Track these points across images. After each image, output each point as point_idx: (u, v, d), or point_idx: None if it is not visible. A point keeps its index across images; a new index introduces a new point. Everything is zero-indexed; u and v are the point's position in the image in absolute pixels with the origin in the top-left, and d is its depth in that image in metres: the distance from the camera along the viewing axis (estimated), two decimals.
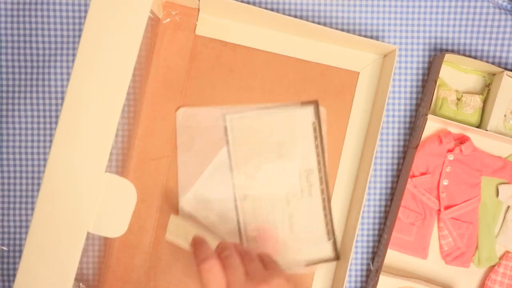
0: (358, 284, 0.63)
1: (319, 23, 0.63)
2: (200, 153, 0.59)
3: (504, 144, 0.62)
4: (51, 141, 0.62)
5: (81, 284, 0.59)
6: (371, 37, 0.63)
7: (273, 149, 0.59)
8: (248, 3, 0.62)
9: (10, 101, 0.61)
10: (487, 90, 0.63)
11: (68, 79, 0.61)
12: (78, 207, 0.40)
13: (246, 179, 0.59)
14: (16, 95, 0.61)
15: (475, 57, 0.63)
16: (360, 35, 0.63)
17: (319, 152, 0.58)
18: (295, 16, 0.62)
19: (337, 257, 0.61)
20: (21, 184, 0.62)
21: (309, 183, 0.59)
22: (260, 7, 0.59)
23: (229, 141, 0.58)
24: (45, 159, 0.62)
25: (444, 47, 0.63)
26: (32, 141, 0.62)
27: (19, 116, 0.61)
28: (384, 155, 0.63)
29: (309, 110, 0.59)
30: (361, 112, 0.62)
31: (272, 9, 0.62)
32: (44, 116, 0.62)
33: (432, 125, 0.63)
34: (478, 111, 0.62)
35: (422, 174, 0.62)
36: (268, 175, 0.59)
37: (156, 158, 0.59)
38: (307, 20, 0.62)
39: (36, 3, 0.61)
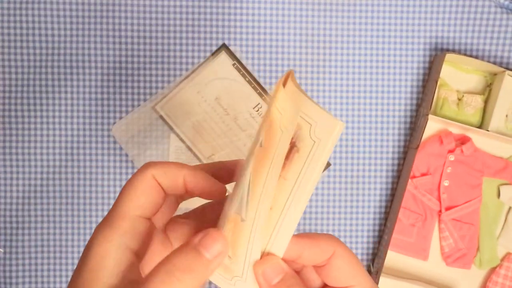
0: None
1: (319, 22, 0.62)
2: (154, 154, 0.59)
3: (505, 145, 0.62)
4: (49, 141, 0.61)
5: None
6: (371, 36, 0.63)
7: (215, 108, 0.58)
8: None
9: (11, 101, 0.61)
10: (488, 90, 0.62)
11: (65, 79, 0.61)
12: None
13: (209, 148, 0.58)
14: (19, 94, 0.61)
15: (476, 57, 0.63)
16: (360, 35, 0.62)
17: (255, 87, 0.57)
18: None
19: None
20: (17, 185, 0.61)
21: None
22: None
23: (172, 127, 0.57)
24: (42, 160, 0.61)
25: (445, 46, 0.63)
26: (29, 141, 0.61)
27: (18, 117, 0.61)
28: (385, 155, 0.63)
29: (223, 55, 0.58)
30: None
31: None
32: (42, 116, 0.61)
33: (433, 125, 0.62)
34: (479, 111, 0.61)
35: (423, 174, 0.62)
36: (226, 133, 0.58)
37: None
38: (307, 14, 0.62)
39: (33, 2, 0.60)
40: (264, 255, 0.29)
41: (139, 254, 0.28)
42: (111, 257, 0.26)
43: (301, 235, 0.30)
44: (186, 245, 0.27)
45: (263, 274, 0.29)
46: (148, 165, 0.29)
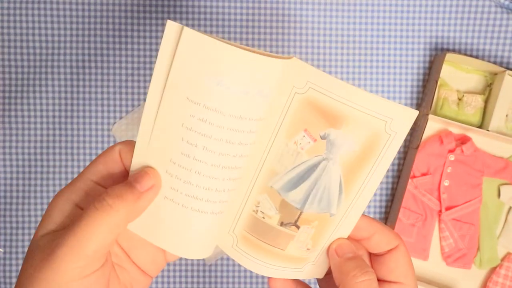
0: None
1: (319, 22, 0.62)
2: None
3: (505, 145, 0.62)
4: (48, 141, 0.61)
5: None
6: (372, 36, 0.62)
7: None
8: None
9: (11, 100, 0.61)
10: (488, 90, 0.62)
11: (65, 79, 0.61)
12: None
13: None
14: (19, 94, 0.61)
15: (476, 57, 0.63)
16: (360, 34, 0.62)
17: None
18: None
19: None
20: (17, 185, 0.61)
21: None
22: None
23: None
24: (42, 160, 0.61)
25: (445, 46, 0.63)
26: (29, 141, 0.61)
27: (18, 116, 0.61)
28: None
29: None
30: None
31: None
32: (41, 116, 0.61)
33: (433, 125, 0.62)
34: (479, 111, 0.61)
35: (423, 174, 0.62)
36: None
37: None
38: (307, 14, 0.62)
39: (32, 2, 0.60)
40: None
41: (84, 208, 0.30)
42: (57, 208, 0.29)
43: (374, 219, 0.32)
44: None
45: (337, 248, 0.32)
46: (120, 142, 0.31)
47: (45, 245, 0.27)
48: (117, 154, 0.30)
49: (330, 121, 0.29)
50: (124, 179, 0.30)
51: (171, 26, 0.26)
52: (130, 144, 0.30)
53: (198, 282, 0.63)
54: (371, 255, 0.34)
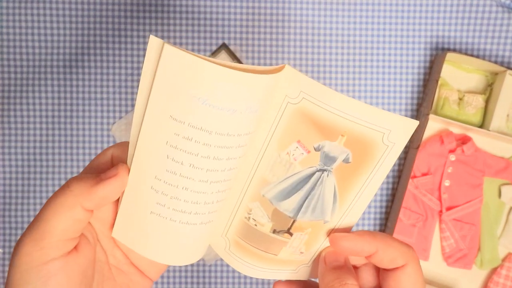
0: None
1: (319, 22, 0.62)
2: None
3: (506, 145, 0.62)
4: (48, 141, 0.61)
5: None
6: (372, 36, 0.62)
7: None
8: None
9: (10, 100, 0.61)
10: (489, 90, 0.62)
11: (65, 79, 0.61)
12: None
13: None
14: (18, 94, 0.61)
15: (477, 56, 0.62)
16: (361, 34, 0.62)
17: None
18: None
19: None
20: (17, 185, 0.61)
21: None
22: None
23: None
24: (42, 160, 0.61)
25: (446, 46, 0.63)
26: (29, 141, 0.61)
27: (17, 116, 0.61)
28: None
29: (223, 54, 0.58)
30: None
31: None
32: (41, 116, 0.61)
33: (433, 125, 0.62)
34: (480, 111, 0.61)
35: (424, 174, 0.62)
36: None
37: None
38: (307, 13, 0.62)
39: (32, 2, 0.60)
40: (334, 231, 0.32)
41: None
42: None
43: (382, 234, 0.31)
44: None
45: (326, 256, 0.31)
46: (113, 145, 0.31)
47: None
48: (109, 157, 0.30)
49: (325, 133, 0.29)
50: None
51: (153, 42, 0.25)
52: (123, 147, 0.30)
53: (198, 283, 0.63)
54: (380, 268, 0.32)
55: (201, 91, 0.25)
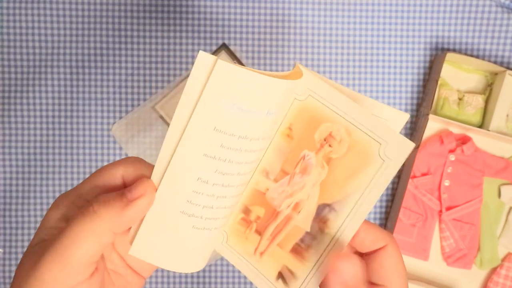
0: None
1: (319, 22, 0.62)
2: (154, 154, 0.59)
3: (506, 145, 0.62)
4: (48, 141, 0.61)
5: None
6: (372, 36, 0.62)
7: None
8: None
9: (11, 100, 0.61)
10: (489, 90, 0.62)
11: (65, 79, 0.61)
12: None
13: None
14: (19, 94, 0.61)
15: (477, 56, 0.62)
16: (360, 34, 0.62)
17: None
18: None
19: None
20: (17, 185, 0.61)
21: None
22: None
23: None
24: (42, 159, 0.61)
25: (445, 46, 0.63)
26: (29, 141, 0.61)
27: (17, 116, 0.61)
28: None
29: (223, 54, 0.58)
30: None
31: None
32: (41, 116, 0.61)
33: (433, 125, 0.62)
34: (480, 111, 0.61)
35: (423, 174, 0.62)
36: None
37: None
38: (307, 13, 0.62)
39: (32, 2, 0.60)
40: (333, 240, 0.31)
41: None
42: (50, 218, 0.29)
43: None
44: None
45: (335, 270, 0.29)
46: (123, 162, 0.30)
47: (34, 253, 0.27)
48: (119, 177, 0.29)
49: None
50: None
51: (204, 58, 0.26)
52: (133, 164, 0.29)
53: (198, 283, 0.63)
54: (361, 255, 0.32)
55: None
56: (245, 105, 0.27)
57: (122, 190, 0.27)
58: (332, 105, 0.29)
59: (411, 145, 0.28)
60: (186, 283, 0.62)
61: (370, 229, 0.30)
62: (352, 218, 0.30)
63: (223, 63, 0.26)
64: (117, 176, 0.29)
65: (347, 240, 0.30)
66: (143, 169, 0.29)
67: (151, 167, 0.29)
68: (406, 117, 0.29)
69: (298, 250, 0.31)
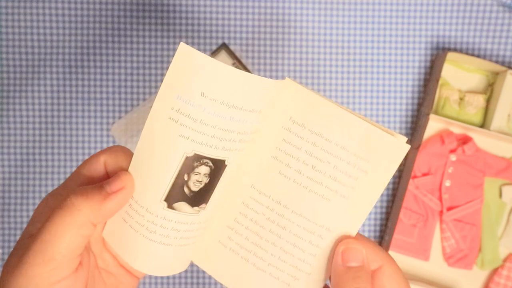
0: None
1: (319, 21, 0.62)
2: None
3: (507, 145, 0.62)
4: (47, 141, 0.61)
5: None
6: (372, 35, 0.62)
7: None
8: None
9: (9, 100, 0.61)
10: (490, 90, 0.62)
11: (64, 79, 0.61)
12: None
13: None
14: (17, 94, 0.61)
15: (478, 56, 0.62)
16: (361, 34, 0.62)
17: None
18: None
19: None
20: (16, 185, 0.61)
21: None
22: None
23: None
24: (41, 160, 0.61)
25: (446, 45, 0.62)
26: (28, 141, 0.61)
27: (16, 116, 0.61)
28: None
29: (223, 54, 0.58)
30: None
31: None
32: (40, 116, 0.61)
33: (434, 125, 0.62)
34: (481, 111, 0.61)
35: (424, 174, 0.62)
36: None
37: None
38: (308, 13, 0.61)
39: (31, 1, 0.60)
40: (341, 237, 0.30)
41: None
42: (38, 213, 0.28)
43: (357, 237, 0.29)
44: None
45: (344, 252, 0.29)
46: (104, 151, 0.30)
47: (19, 249, 0.26)
48: (102, 164, 0.29)
49: None
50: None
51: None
52: (115, 153, 0.29)
53: (198, 283, 0.62)
54: None
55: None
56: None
57: (101, 182, 0.27)
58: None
59: (406, 146, 0.28)
60: (186, 283, 0.62)
61: (366, 248, 0.29)
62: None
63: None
64: (99, 165, 0.29)
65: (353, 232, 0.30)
66: (123, 160, 0.29)
67: (131, 156, 0.29)
68: (404, 141, 0.29)
69: None
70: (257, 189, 0.30)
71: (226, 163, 0.28)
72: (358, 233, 0.30)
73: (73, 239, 0.26)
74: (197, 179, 0.28)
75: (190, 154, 0.27)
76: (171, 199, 0.28)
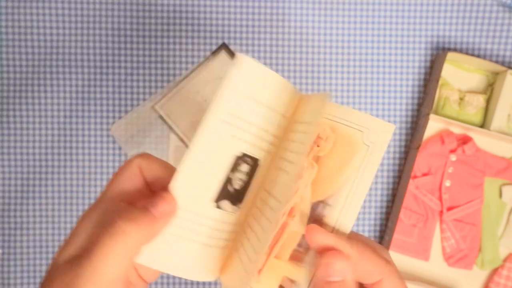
0: None
1: (319, 21, 0.62)
2: (153, 154, 0.60)
3: (507, 145, 0.62)
4: (47, 141, 0.61)
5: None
6: (373, 35, 0.62)
7: None
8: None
9: (10, 100, 0.61)
10: (490, 90, 0.62)
11: (64, 79, 0.61)
12: None
13: None
14: (17, 94, 0.61)
15: (478, 56, 0.62)
16: (361, 34, 0.62)
17: None
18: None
19: None
20: (15, 185, 0.61)
21: None
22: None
23: (172, 127, 0.57)
24: (41, 160, 0.61)
25: (446, 45, 0.62)
26: (28, 141, 0.61)
27: (17, 116, 0.61)
28: (385, 155, 0.63)
29: (223, 54, 0.58)
30: None
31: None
32: (40, 116, 0.61)
33: (434, 125, 0.62)
34: (481, 111, 0.61)
35: (424, 175, 0.62)
36: None
37: None
38: (308, 13, 0.61)
39: (31, 1, 0.60)
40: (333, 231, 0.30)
41: None
42: (80, 231, 0.28)
43: (365, 245, 0.29)
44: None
45: (325, 266, 0.28)
46: (137, 156, 0.30)
47: (64, 273, 0.27)
48: (136, 168, 0.29)
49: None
50: (147, 192, 0.30)
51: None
52: (148, 157, 0.30)
53: (198, 283, 0.62)
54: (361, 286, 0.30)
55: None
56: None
57: (145, 204, 0.28)
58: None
59: (391, 127, 0.29)
60: (186, 283, 0.62)
61: (363, 259, 0.28)
62: (348, 209, 0.30)
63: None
64: (134, 169, 0.29)
65: (345, 232, 0.29)
66: (157, 167, 0.30)
67: (163, 162, 0.30)
68: (392, 128, 0.30)
69: (296, 256, 0.30)
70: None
71: (259, 162, 0.31)
72: (358, 239, 0.29)
73: (122, 263, 0.27)
74: (239, 177, 0.30)
75: (239, 154, 0.30)
76: (218, 198, 0.30)
